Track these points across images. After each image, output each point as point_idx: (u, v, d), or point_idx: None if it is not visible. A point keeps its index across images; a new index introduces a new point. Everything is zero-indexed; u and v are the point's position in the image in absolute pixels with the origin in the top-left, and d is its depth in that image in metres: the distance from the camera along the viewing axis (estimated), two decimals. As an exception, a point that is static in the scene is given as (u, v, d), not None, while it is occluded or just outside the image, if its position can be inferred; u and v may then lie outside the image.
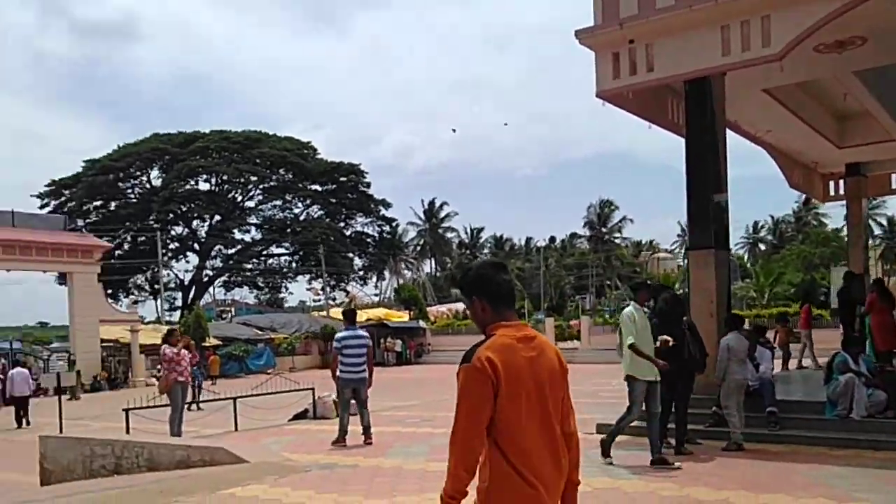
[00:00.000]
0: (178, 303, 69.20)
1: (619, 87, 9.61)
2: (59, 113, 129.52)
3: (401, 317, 52.02)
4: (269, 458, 8.82)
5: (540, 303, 68.41)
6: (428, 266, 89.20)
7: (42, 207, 59.11)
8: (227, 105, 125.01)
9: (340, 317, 48.20)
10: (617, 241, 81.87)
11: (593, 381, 23.98)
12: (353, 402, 10.27)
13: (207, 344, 41.72)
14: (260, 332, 47.80)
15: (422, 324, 49.64)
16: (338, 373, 10.15)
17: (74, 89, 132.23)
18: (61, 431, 11.72)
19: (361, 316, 54.63)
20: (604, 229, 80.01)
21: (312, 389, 14.63)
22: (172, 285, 69.82)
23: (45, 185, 62.82)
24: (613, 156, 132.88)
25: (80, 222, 45.34)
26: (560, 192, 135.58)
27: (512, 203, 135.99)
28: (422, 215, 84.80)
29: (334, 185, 67.81)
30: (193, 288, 69.37)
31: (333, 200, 68.48)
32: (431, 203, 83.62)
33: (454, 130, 64.81)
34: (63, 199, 62.05)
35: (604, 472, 7.44)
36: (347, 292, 75.99)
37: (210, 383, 36.80)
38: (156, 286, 67.91)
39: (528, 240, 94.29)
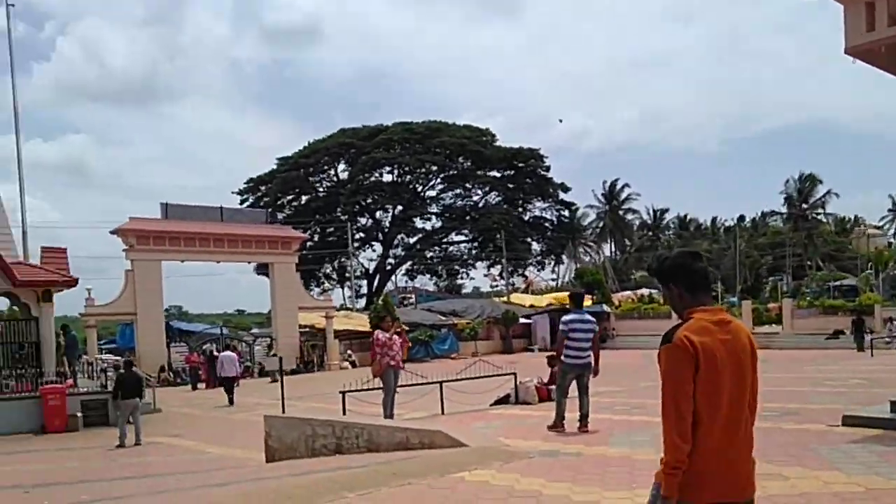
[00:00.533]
0: (364, 290, 72.54)
1: (874, 42, 8.49)
2: (251, 115, 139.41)
3: (585, 302, 51.08)
4: (487, 442, 8.66)
5: (733, 285, 64.83)
6: (607, 249, 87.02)
7: (242, 203, 63.94)
8: (405, 98, 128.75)
9: (520, 302, 48.31)
10: (819, 217, 75.68)
11: (805, 369, 22.24)
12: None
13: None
14: (443, 318, 48.77)
15: (605, 308, 48.43)
16: (563, 357, 9.84)
17: (264, 92, 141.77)
18: (283, 412, 12.26)
19: (542, 301, 54.54)
20: (804, 205, 74.06)
21: (514, 374, 14.48)
22: (358, 274, 73.30)
23: (245, 183, 67.97)
24: (804, 127, 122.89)
25: (279, 216, 48.29)
26: (748, 168, 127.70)
27: (696, 182, 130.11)
28: (601, 197, 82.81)
29: (513, 171, 67.94)
30: (378, 276, 72.33)
31: (511, 186, 68.66)
32: (612, 185, 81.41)
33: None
34: (259, 194, 66.75)
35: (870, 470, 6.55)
36: (525, 277, 76.08)
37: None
38: (346, 274, 71.85)
39: (714, 219, 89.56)
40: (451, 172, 67.07)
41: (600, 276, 52.06)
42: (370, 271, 72.80)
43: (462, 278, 78.61)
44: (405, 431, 9.31)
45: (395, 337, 12.70)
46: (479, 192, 70.25)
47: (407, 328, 44.89)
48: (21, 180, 27.06)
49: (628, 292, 58.88)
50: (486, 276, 77.63)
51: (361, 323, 44.10)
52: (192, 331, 39.98)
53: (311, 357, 38.91)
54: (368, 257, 72.95)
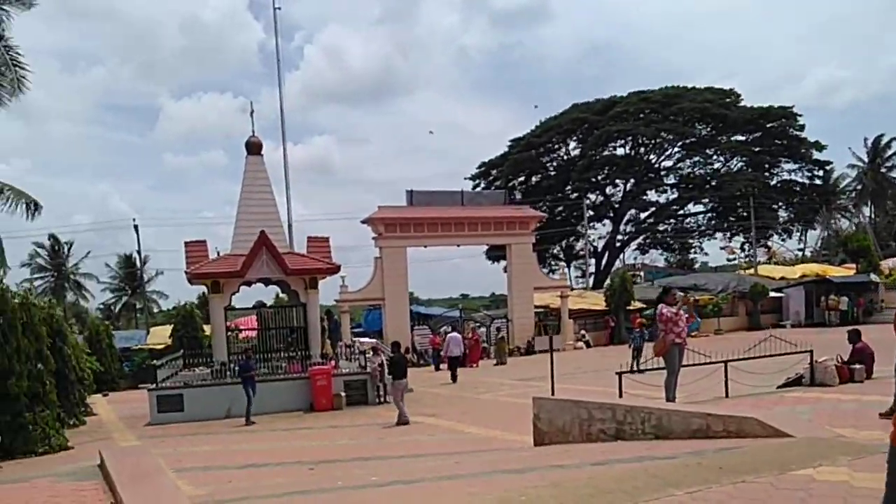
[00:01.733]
0: (591, 269, 70.72)
1: None
2: (477, 103, 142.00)
3: (845, 271, 45.78)
4: (814, 431, 7.33)
5: None
6: (866, 213, 77.55)
7: (473, 188, 64.92)
8: (632, 70, 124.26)
9: (769, 274, 43.99)
10: None
11: None
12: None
13: (632, 307, 41.48)
14: (683, 294, 45.97)
15: (873, 277, 42.95)
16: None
17: (490, 78, 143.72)
18: (553, 394, 11.64)
19: (794, 272, 49.70)
20: None
21: (811, 352, 12.71)
22: (584, 253, 71.74)
23: (476, 168, 69.07)
24: None
25: (517, 195, 48.12)
26: None
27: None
28: (862, 156, 73.77)
29: (759, 133, 62.70)
30: (606, 254, 70.24)
31: (757, 149, 63.28)
32: (876, 140, 72.10)
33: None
34: (491, 178, 67.44)
35: None
36: (768, 248, 70.11)
37: (641, 347, 36.54)
38: (580, 253, 70.62)
39: None
40: (689, 140, 63.28)
41: (868, 242, 46.21)
42: (598, 249, 70.88)
43: (697, 252, 74.56)
44: (705, 417, 8.20)
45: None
46: (720, 158, 65.65)
47: (644, 305, 43.26)
48: (287, 180, 29.75)
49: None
50: (722, 248, 72.72)
51: (596, 302, 42.86)
52: (430, 314, 41.11)
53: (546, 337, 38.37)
54: (597, 235, 71.17)
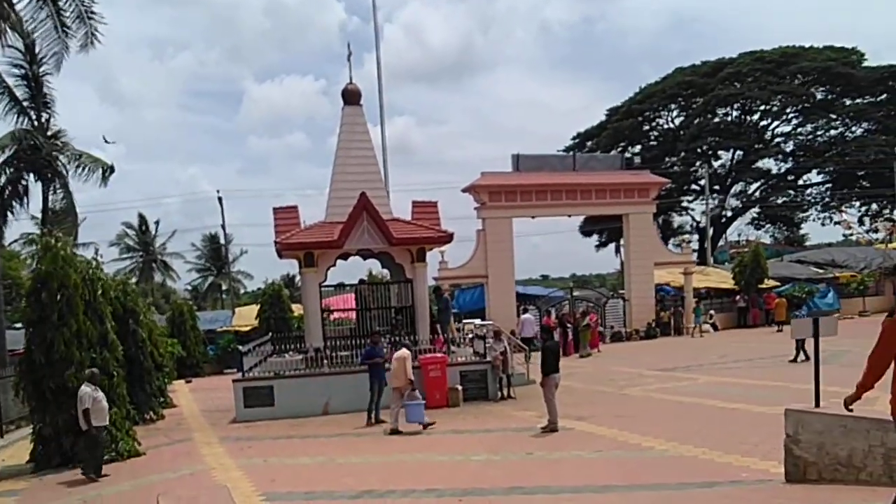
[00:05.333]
0: (694, 245, 65.17)
1: None
2: (557, 80, 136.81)
3: None
4: None
5: None
6: None
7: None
8: (718, 41, 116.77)
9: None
10: None
11: None
12: None
13: (765, 286, 36.73)
14: (820, 271, 40.90)
15: None
16: None
17: (571, 54, 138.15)
18: (818, 404, 7.78)
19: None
20: None
21: None
22: (688, 228, 66.45)
23: (571, 139, 64.53)
24: None
25: (637, 159, 43.37)
26: None
27: None
28: None
29: (887, 94, 55.99)
30: (711, 229, 64.63)
31: (882, 113, 56.56)
32: None
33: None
34: (586, 150, 62.65)
35: None
36: (893, 221, 63.17)
37: (776, 330, 31.90)
38: (679, 229, 65.43)
39: None
40: (807, 104, 57.06)
41: None
42: (700, 224, 65.27)
43: (802, 228, 68.21)
44: None
45: None
46: (841, 124, 59.05)
47: (778, 283, 38.41)
48: (385, 158, 26.84)
49: None
50: (837, 223, 66.14)
51: (723, 279, 38.21)
52: (538, 295, 37.29)
53: (667, 319, 34.09)
54: (700, 210, 65.53)
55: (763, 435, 11.07)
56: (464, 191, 31.17)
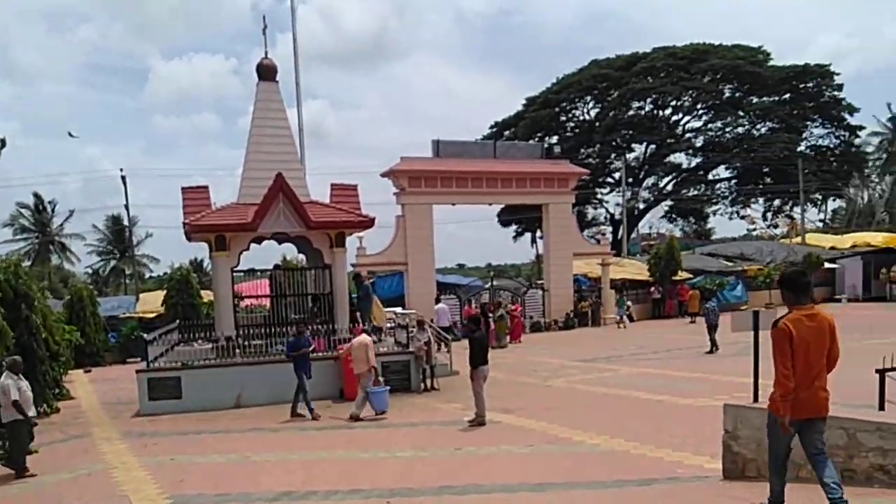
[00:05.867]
0: (608, 237, 66.44)
1: None
2: (473, 70, 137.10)
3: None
4: None
5: None
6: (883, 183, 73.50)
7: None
8: (631, 37, 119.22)
9: (817, 243, 40.14)
10: None
11: None
12: None
13: (679, 277, 37.49)
14: (729, 264, 42.11)
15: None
16: None
17: (486, 46, 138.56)
18: (756, 399, 7.53)
19: (844, 242, 45.78)
20: None
21: None
22: (602, 220, 67.59)
23: (489, 127, 64.50)
24: None
25: (557, 149, 43.44)
26: None
27: None
28: (887, 122, 69.32)
29: (791, 94, 58.25)
30: (623, 222, 66.08)
31: (786, 112, 58.82)
32: (903, 106, 67.70)
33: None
34: (504, 139, 62.71)
35: None
36: (792, 218, 66.15)
37: (689, 321, 32.63)
38: (593, 220, 66.52)
39: None
40: (717, 101, 58.74)
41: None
42: (615, 216, 66.56)
43: (709, 222, 70.56)
44: None
45: None
46: (746, 122, 61.09)
47: (690, 275, 39.31)
48: (302, 140, 25.51)
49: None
50: (743, 217, 68.72)
51: (638, 271, 38.78)
52: (458, 283, 36.89)
53: (586, 309, 34.32)
54: (614, 202, 66.82)
55: (691, 428, 10.93)
56: (383, 175, 30.37)
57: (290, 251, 27.37)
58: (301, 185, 18.07)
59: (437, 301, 28.64)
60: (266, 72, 18.48)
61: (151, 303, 32.86)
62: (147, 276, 63.96)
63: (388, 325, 20.06)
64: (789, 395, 5.57)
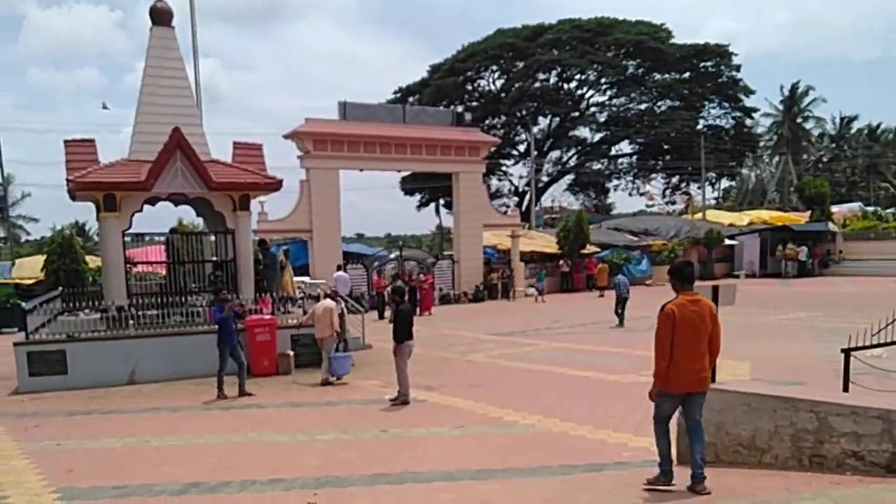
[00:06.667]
0: (515, 210, 66.75)
1: None
2: (371, 36, 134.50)
3: (797, 220, 43.71)
4: None
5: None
6: (777, 163, 77.26)
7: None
8: (520, 10, 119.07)
9: (717, 220, 41.41)
10: None
11: None
12: None
13: (587, 251, 37.67)
14: (634, 238, 42.78)
15: (831, 226, 40.94)
16: None
17: (383, 9, 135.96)
18: (714, 379, 7.03)
19: (742, 219, 47.44)
20: None
21: None
22: (506, 192, 67.68)
23: (393, 93, 63.16)
24: None
25: (468, 116, 42.53)
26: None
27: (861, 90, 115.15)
28: (778, 104, 72.51)
29: (691, 73, 59.67)
30: (528, 194, 66.48)
31: (686, 90, 60.26)
32: (793, 89, 70.96)
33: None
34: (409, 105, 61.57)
35: None
36: (689, 195, 68.41)
37: (598, 295, 32.80)
38: (497, 192, 66.45)
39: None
40: (620, 77, 59.45)
41: (825, 188, 44.00)
42: (519, 189, 66.81)
43: (608, 197, 72.18)
44: None
45: None
46: (647, 98, 62.17)
47: (598, 249, 39.64)
48: (199, 95, 23.38)
49: (852, 205, 50.74)
50: (642, 194, 70.44)
51: (547, 244, 38.73)
52: (363, 253, 35.72)
53: (496, 281, 33.95)
54: (518, 174, 67.03)
55: (626, 407, 10.50)
56: (286, 137, 28.74)
57: (186, 214, 25.50)
58: (201, 142, 16.56)
59: (339, 269, 27.33)
60: (161, 16, 16.74)
61: (29, 268, 30.23)
62: (24, 239, 59.52)
63: (299, 294, 18.90)
64: (662, 372, 6.20)
